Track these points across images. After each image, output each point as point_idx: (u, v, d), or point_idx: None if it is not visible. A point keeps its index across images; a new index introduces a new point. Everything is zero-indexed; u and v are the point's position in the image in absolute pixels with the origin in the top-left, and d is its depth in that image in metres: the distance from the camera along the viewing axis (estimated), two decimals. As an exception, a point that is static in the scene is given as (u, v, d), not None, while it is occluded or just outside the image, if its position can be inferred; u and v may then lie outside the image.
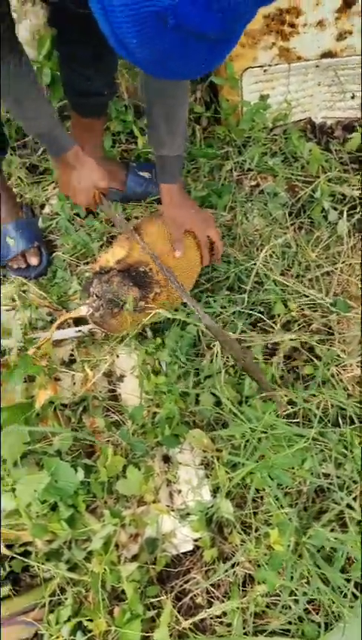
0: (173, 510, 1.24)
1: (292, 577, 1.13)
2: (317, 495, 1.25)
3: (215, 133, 1.83)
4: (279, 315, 1.45)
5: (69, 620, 1.15)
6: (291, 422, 1.25)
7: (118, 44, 0.77)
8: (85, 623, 1.15)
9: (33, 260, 1.64)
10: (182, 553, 1.24)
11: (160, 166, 1.40)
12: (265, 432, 1.20)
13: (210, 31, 0.73)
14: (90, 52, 1.46)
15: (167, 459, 1.31)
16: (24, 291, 1.59)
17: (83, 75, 1.52)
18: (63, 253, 1.68)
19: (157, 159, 1.39)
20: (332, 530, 1.16)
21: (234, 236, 1.62)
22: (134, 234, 1.37)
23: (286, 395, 1.30)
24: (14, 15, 1.72)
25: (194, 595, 1.20)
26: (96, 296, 1.36)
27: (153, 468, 1.26)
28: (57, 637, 1.15)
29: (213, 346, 1.37)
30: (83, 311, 1.38)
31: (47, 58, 1.77)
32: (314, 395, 1.30)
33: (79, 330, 1.45)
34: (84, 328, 1.45)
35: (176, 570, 1.23)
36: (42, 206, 1.83)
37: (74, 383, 1.42)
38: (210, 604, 1.19)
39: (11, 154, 1.92)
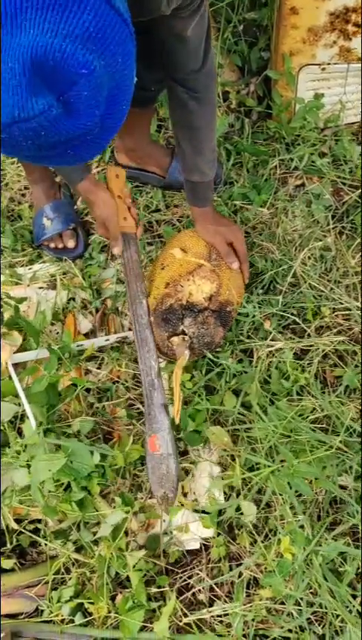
0: (184, 505, 1.23)
1: (298, 586, 1.11)
2: (331, 506, 1.23)
3: (264, 128, 1.80)
4: (312, 319, 1.42)
5: (70, 600, 1.15)
6: (316, 427, 1.23)
7: None
8: (86, 605, 1.15)
9: (70, 243, 1.63)
10: (188, 550, 1.23)
11: (189, 189, 1.40)
12: (289, 436, 1.18)
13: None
14: (140, 50, 1.45)
15: (184, 453, 1.30)
16: (64, 273, 1.59)
17: None
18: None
19: (186, 183, 1.39)
20: (344, 544, 1.14)
21: (273, 234, 1.59)
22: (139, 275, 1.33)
23: (314, 399, 1.27)
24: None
25: (197, 591, 1.19)
26: (191, 336, 1.28)
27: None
28: (57, 615, 1.16)
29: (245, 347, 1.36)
30: (186, 356, 1.27)
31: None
32: (342, 404, 1.27)
33: (107, 339, 1.44)
34: (112, 338, 1.44)
35: (181, 564, 1.22)
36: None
37: (98, 368, 1.42)
38: (212, 603, 1.18)
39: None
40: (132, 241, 1.36)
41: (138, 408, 1.37)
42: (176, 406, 1.19)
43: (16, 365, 1.36)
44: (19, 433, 1.28)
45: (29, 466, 1.17)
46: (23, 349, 1.42)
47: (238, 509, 1.20)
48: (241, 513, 1.20)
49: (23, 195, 1.80)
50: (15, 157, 0.71)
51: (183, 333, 1.28)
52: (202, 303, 1.29)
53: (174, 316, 1.27)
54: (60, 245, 1.63)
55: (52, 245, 1.63)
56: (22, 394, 1.27)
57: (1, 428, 1.27)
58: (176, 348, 1.26)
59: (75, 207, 1.74)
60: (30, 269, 1.62)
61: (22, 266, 1.64)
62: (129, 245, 1.35)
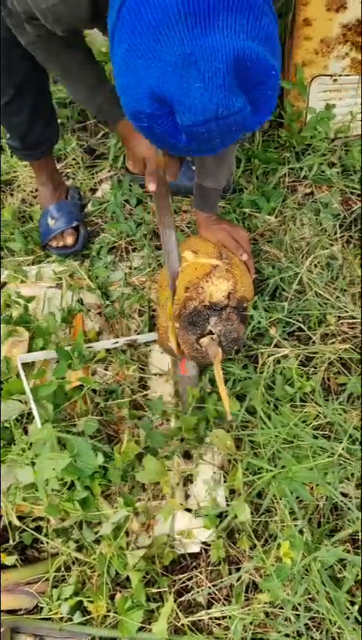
0: (188, 510, 1.24)
1: (296, 591, 1.12)
2: (331, 512, 1.24)
3: (275, 136, 1.82)
4: (316, 326, 1.43)
5: (70, 597, 1.16)
6: (319, 434, 1.24)
7: None
8: (86, 604, 1.16)
9: (69, 240, 1.66)
10: (189, 553, 1.24)
11: (200, 195, 1.42)
12: (291, 442, 1.19)
13: (178, 143, 0.79)
14: None
15: (187, 455, 1.31)
16: (71, 274, 1.61)
17: None
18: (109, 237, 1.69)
19: (197, 187, 1.41)
20: (344, 551, 1.15)
21: (280, 241, 1.60)
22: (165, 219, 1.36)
23: (317, 406, 1.28)
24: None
25: (196, 594, 1.20)
26: (218, 335, 1.28)
27: (171, 461, 1.27)
28: (56, 612, 1.17)
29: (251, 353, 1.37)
30: (220, 353, 1.28)
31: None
32: (345, 411, 1.28)
33: (116, 342, 1.45)
34: (121, 340, 1.45)
35: (181, 566, 1.23)
36: (93, 190, 1.85)
37: (105, 369, 1.43)
38: (210, 605, 1.19)
39: (71, 135, 1.95)
40: (163, 180, 1.38)
41: (142, 410, 1.38)
42: (226, 402, 1.21)
43: (24, 364, 1.38)
44: (25, 431, 1.30)
45: (33, 464, 1.18)
46: (29, 348, 1.44)
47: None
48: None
49: (35, 197, 1.82)
50: (185, 150, 0.77)
51: (210, 333, 1.29)
52: (223, 302, 1.30)
53: (200, 318, 1.28)
54: (60, 243, 1.66)
55: (54, 244, 1.66)
56: (29, 393, 1.29)
57: (5, 425, 1.29)
58: (208, 347, 1.28)
59: (81, 203, 1.76)
60: (38, 267, 1.64)
61: (28, 264, 1.66)
62: (162, 182, 1.37)
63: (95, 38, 1.84)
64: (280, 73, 0.77)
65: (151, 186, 1.35)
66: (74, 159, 1.91)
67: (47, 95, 1.52)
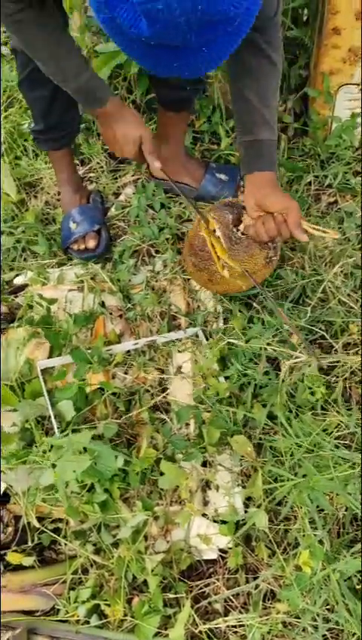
0: (204, 515, 1.23)
1: (315, 602, 1.11)
2: (351, 523, 1.22)
3: (300, 144, 1.82)
4: (339, 335, 1.43)
5: (87, 600, 1.16)
6: (340, 443, 1.23)
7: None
8: (103, 607, 1.16)
9: (90, 243, 1.66)
10: (205, 560, 1.23)
11: (256, 154, 1.27)
12: (312, 451, 1.18)
13: (141, 33, 0.72)
14: None
15: (205, 464, 1.30)
16: (93, 277, 1.62)
17: None
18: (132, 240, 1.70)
19: (248, 148, 1.28)
20: (364, 562, 1.13)
21: (304, 249, 1.60)
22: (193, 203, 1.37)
23: (339, 414, 1.27)
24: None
25: (213, 601, 1.19)
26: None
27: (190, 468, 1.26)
28: (73, 615, 1.17)
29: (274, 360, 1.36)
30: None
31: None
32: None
33: (136, 343, 1.46)
34: (141, 341, 1.46)
35: (197, 572, 1.23)
36: (116, 194, 1.86)
37: (125, 373, 1.43)
38: (227, 612, 1.18)
39: (96, 140, 1.96)
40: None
41: (161, 413, 1.38)
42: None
43: (43, 370, 1.39)
44: (47, 433, 1.30)
45: (53, 466, 1.19)
46: (51, 350, 1.44)
47: (257, 520, 1.20)
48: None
49: (58, 200, 1.83)
50: (152, 47, 0.75)
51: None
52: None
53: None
54: (82, 246, 1.66)
55: (75, 247, 1.67)
56: (47, 400, 1.30)
57: (26, 427, 1.30)
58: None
59: (103, 207, 1.76)
60: (60, 270, 1.65)
61: (51, 267, 1.67)
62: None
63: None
64: None
65: (157, 164, 1.30)
66: (98, 163, 1.92)
67: None
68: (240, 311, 1.47)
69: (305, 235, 1.23)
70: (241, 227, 1.36)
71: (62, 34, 1.23)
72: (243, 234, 1.36)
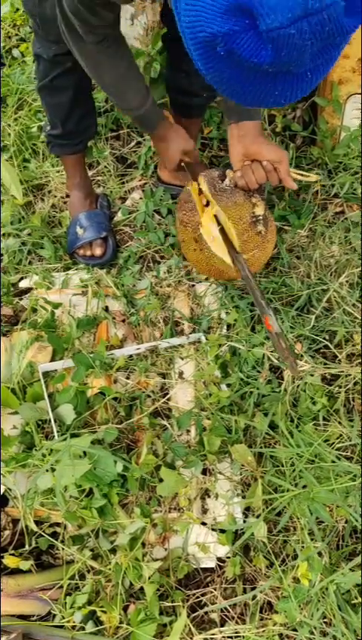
0: (203, 524, 1.23)
1: (313, 614, 1.10)
2: (350, 536, 1.21)
3: (308, 153, 1.81)
4: (343, 345, 1.42)
5: (83, 606, 1.16)
6: (341, 454, 1.22)
7: (195, 63, 0.79)
8: (98, 614, 1.16)
9: (97, 251, 1.66)
10: (203, 569, 1.22)
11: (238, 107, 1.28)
12: (312, 462, 1.17)
13: (262, 62, 0.71)
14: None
15: (205, 472, 1.30)
16: (97, 282, 1.62)
17: (185, 73, 1.54)
18: (137, 247, 1.70)
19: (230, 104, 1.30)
20: (362, 575, 1.12)
21: (310, 258, 1.59)
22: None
23: (340, 425, 1.26)
24: (132, 10, 1.77)
25: (210, 610, 1.18)
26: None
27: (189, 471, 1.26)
28: (68, 621, 1.16)
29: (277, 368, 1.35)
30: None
31: (159, 53, 1.80)
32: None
33: (138, 348, 1.46)
34: (143, 346, 1.46)
35: (195, 581, 1.22)
36: (123, 199, 1.86)
37: (127, 378, 1.43)
38: (223, 622, 1.18)
39: (104, 144, 1.97)
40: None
41: (162, 419, 1.38)
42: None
43: (45, 373, 1.39)
44: (47, 436, 1.30)
45: (53, 470, 1.18)
46: (53, 354, 1.44)
47: (256, 530, 1.20)
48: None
49: (65, 203, 1.84)
50: (271, 75, 0.73)
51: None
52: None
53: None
54: (89, 253, 1.66)
55: (81, 252, 1.67)
56: (48, 404, 1.30)
57: (26, 430, 1.29)
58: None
59: (109, 212, 1.77)
60: (65, 274, 1.65)
61: (56, 271, 1.67)
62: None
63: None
64: None
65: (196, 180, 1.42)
66: (105, 167, 1.92)
67: (90, 83, 1.57)
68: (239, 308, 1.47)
69: (294, 183, 1.33)
70: (226, 181, 1.39)
71: (130, 68, 1.31)
72: (228, 186, 1.38)
